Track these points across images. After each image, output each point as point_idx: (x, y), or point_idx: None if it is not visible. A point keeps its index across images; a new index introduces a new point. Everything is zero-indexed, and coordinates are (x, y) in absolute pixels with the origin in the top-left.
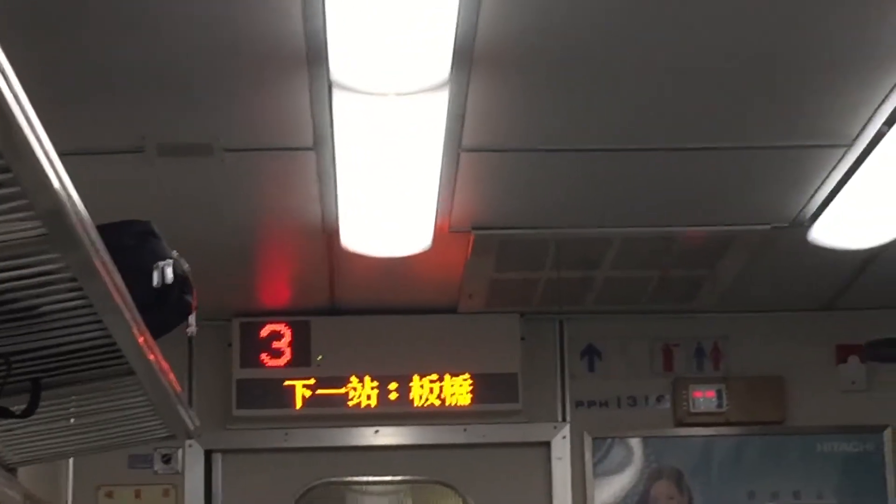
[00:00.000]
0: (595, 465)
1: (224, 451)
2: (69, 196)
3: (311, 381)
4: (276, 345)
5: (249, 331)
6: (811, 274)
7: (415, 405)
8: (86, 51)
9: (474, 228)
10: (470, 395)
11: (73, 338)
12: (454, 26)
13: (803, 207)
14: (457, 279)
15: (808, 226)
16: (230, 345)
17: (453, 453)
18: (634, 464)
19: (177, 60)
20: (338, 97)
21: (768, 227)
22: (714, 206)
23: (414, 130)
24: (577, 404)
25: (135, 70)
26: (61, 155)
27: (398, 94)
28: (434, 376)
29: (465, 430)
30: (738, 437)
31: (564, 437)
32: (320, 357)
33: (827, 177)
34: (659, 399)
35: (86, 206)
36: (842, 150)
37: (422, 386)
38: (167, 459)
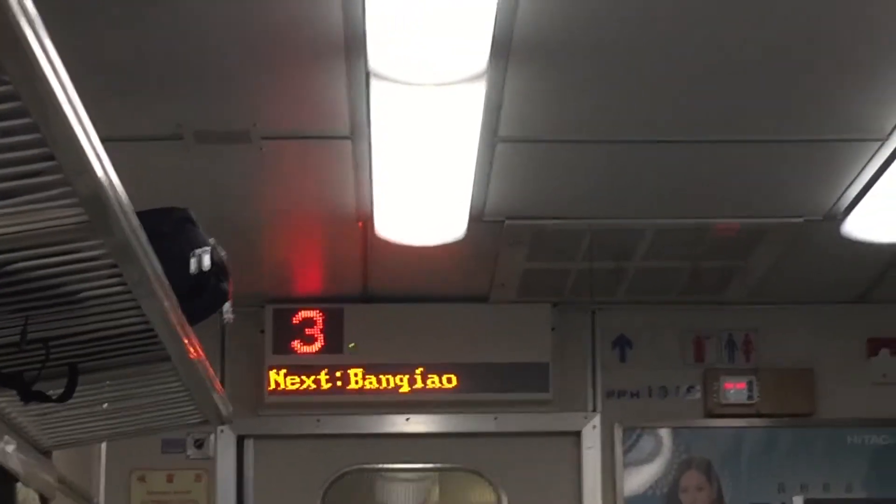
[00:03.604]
0: (625, 454)
1: (256, 437)
2: (111, 183)
3: (343, 369)
4: (308, 331)
5: (282, 317)
6: (843, 267)
7: (445, 393)
8: (125, 39)
9: (508, 218)
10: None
11: (112, 323)
12: (493, 17)
13: (837, 201)
14: (489, 269)
15: (841, 219)
16: (263, 331)
17: (484, 442)
18: (664, 454)
19: (216, 48)
20: (375, 87)
21: (801, 219)
22: (747, 198)
23: (450, 121)
24: (608, 394)
25: (174, 58)
26: (100, 142)
27: (436, 85)
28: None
29: (495, 418)
30: (768, 429)
31: (595, 427)
32: (353, 344)
33: (861, 171)
34: (689, 390)
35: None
36: (876, 145)
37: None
38: (199, 444)
